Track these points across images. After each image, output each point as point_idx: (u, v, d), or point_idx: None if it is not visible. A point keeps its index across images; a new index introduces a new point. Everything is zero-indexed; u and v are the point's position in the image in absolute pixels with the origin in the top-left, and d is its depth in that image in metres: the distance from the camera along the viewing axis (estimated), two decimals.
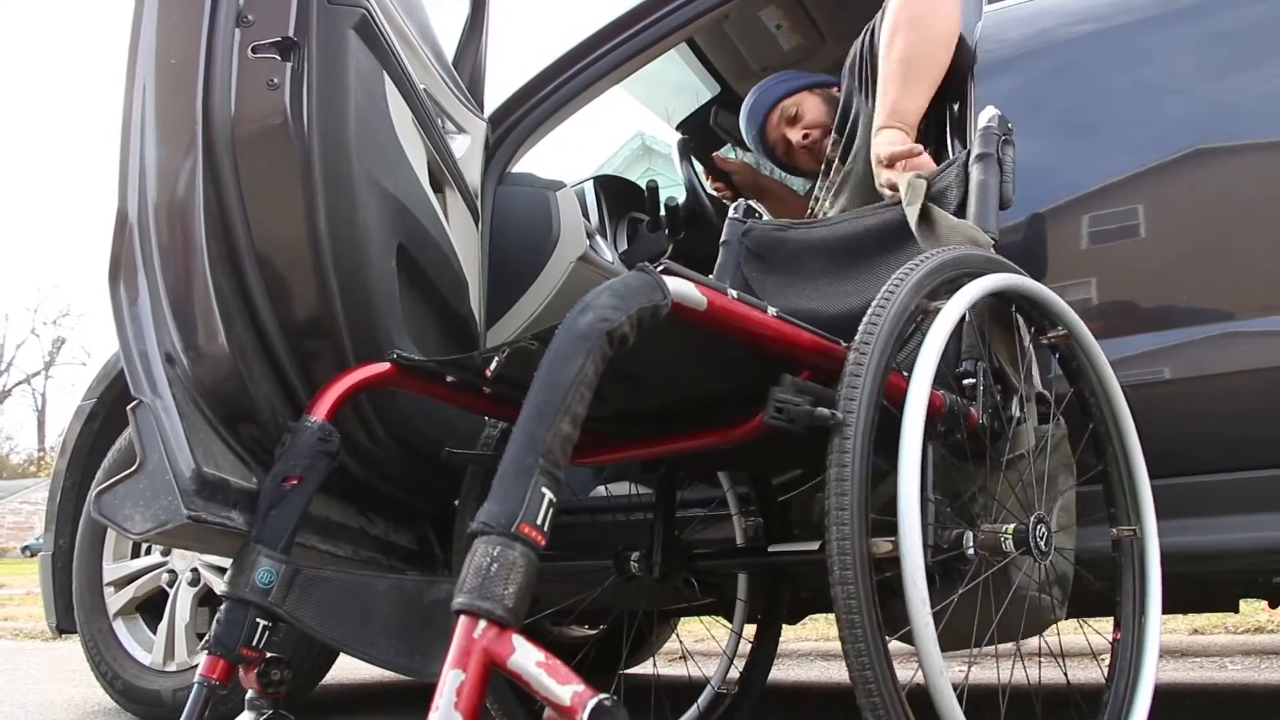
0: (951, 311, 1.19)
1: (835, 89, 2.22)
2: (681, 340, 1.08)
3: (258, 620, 1.20)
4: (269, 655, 1.21)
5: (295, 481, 1.26)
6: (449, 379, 1.38)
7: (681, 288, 1.00)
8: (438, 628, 1.14)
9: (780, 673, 3.29)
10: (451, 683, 0.83)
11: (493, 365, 1.27)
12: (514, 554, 0.86)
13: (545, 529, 0.88)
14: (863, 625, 0.99)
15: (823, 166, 2.10)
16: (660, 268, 1.00)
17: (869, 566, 1.01)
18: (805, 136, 2.28)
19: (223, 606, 1.22)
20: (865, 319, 1.12)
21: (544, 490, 0.88)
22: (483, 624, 0.85)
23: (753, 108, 2.37)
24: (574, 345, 0.92)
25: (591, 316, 0.93)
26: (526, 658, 0.85)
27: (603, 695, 0.82)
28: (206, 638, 1.22)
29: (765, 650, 1.75)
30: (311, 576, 1.23)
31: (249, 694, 1.22)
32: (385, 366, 1.36)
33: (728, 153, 2.95)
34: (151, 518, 1.35)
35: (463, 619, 0.86)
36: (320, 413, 1.30)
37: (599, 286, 0.98)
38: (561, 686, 0.83)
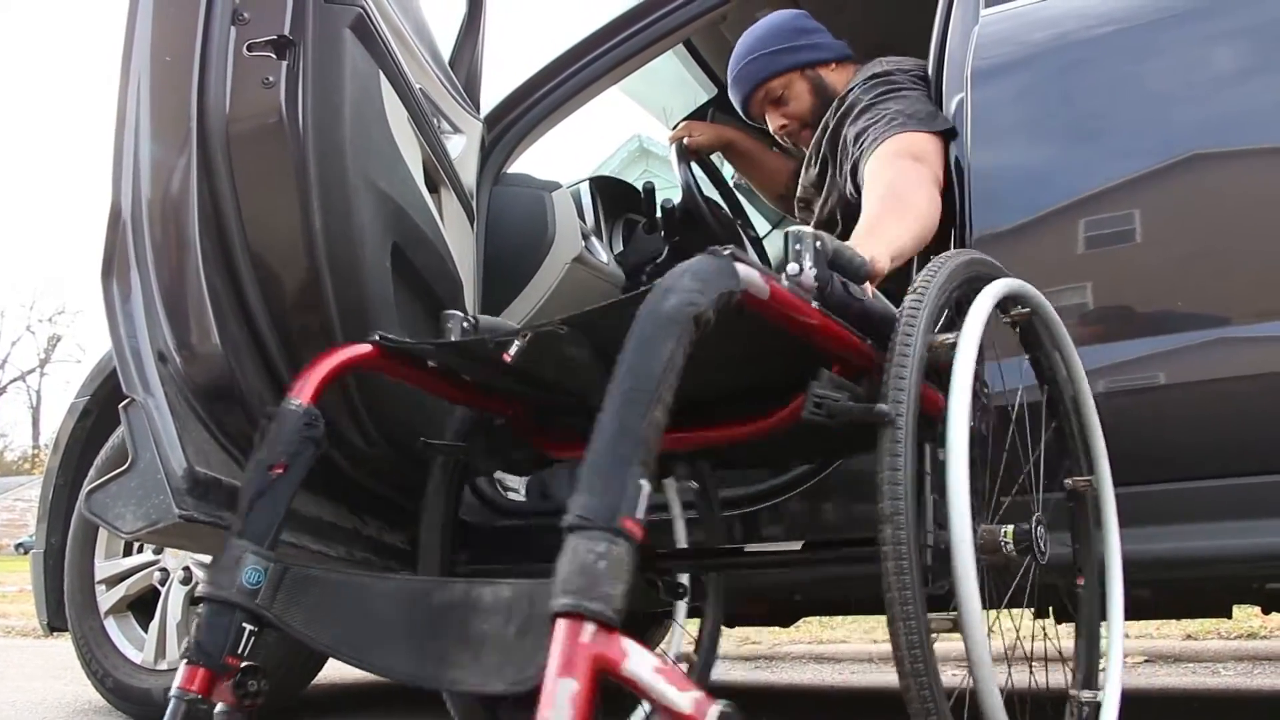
0: (980, 311, 1.19)
1: (833, 65, 2.19)
2: (722, 330, 1.07)
3: (244, 625, 1.08)
4: (244, 664, 1.08)
5: (280, 470, 1.16)
6: (430, 364, 1.33)
7: (750, 275, 0.97)
8: (454, 633, 1.04)
9: (773, 675, 3.29)
10: (563, 693, 0.76)
11: (512, 350, 1.17)
12: (620, 550, 0.80)
13: (643, 523, 0.83)
14: (916, 623, 0.98)
15: (806, 157, 2.13)
16: (727, 252, 0.96)
17: (923, 562, 1.00)
18: (783, 127, 2.23)
19: (202, 609, 1.11)
20: (902, 318, 1.12)
21: (641, 481, 0.83)
22: (591, 627, 0.78)
23: (739, 77, 2.27)
24: (664, 329, 0.87)
25: (676, 300, 0.89)
26: (642, 663, 0.78)
27: (723, 702, 0.78)
28: (185, 645, 1.11)
29: (707, 649, 1.69)
30: (301, 576, 1.13)
31: (219, 707, 1.07)
32: (367, 348, 1.29)
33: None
34: (143, 516, 1.34)
35: (564, 622, 0.79)
36: (305, 396, 1.20)
37: (674, 269, 0.93)
38: (682, 694, 0.78)
